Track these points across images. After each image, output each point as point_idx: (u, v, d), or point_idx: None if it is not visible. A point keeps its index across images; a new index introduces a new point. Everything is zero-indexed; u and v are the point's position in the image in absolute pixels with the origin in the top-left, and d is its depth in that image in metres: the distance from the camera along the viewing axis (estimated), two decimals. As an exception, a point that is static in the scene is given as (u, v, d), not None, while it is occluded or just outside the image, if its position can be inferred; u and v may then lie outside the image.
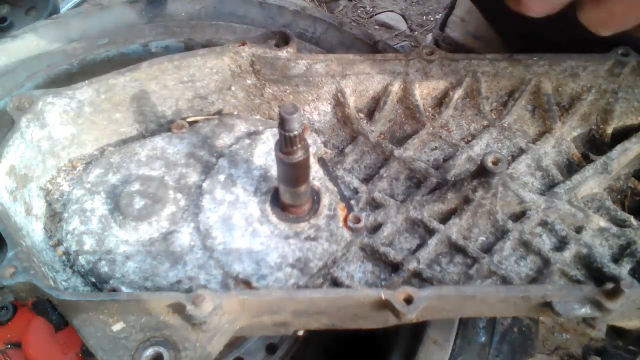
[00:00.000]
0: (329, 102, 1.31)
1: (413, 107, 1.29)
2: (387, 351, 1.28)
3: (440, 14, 2.16)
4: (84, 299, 0.90)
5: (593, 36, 1.10)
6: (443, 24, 2.01)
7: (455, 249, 1.09)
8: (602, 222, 1.12)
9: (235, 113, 1.30)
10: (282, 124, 0.88)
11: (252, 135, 1.22)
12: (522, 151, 1.23)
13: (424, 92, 1.30)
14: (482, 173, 1.03)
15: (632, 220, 1.13)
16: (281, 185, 1.03)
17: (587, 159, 1.24)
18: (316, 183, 1.13)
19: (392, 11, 3.20)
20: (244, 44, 1.25)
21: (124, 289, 1.02)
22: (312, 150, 1.15)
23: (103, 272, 1.04)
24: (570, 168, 1.22)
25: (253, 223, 1.08)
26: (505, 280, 1.04)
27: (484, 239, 1.11)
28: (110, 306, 0.88)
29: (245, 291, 1.00)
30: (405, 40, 3.14)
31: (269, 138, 1.20)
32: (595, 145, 1.28)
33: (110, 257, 1.06)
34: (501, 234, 1.10)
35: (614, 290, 0.85)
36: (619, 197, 1.24)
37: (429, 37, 2.81)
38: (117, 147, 1.23)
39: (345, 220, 1.09)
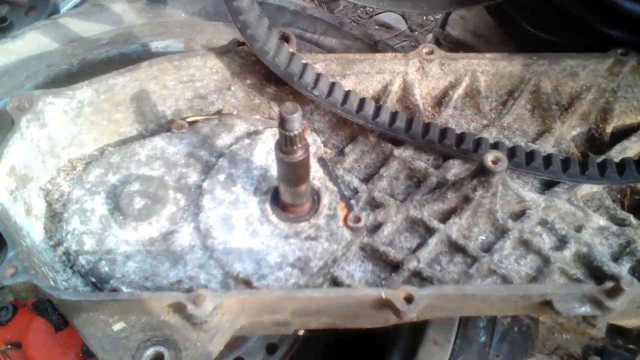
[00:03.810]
0: (328, 101, 1.31)
1: (413, 107, 1.29)
2: (387, 351, 1.28)
3: (441, 14, 2.16)
4: (85, 299, 0.90)
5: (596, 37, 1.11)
6: (444, 22, 2.02)
7: (456, 248, 1.09)
8: (602, 221, 1.13)
9: (235, 113, 1.30)
10: (282, 123, 0.88)
11: (252, 135, 1.22)
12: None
13: (423, 91, 1.30)
14: (482, 172, 1.04)
15: (632, 219, 1.13)
16: (281, 185, 1.03)
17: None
18: (316, 183, 1.13)
19: (392, 11, 3.20)
20: (243, 43, 1.25)
21: (124, 288, 1.02)
22: (312, 149, 1.15)
23: (103, 272, 1.04)
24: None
25: (253, 223, 1.08)
26: (505, 279, 1.04)
27: (484, 238, 1.11)
28: (111, 306, 0.88)
29: (246, 291, 1.00)
30: (405, 40, 3.14)
31: (269, 138, 1.20)
32: (595, 144, 1.28)
33: (111, 257, 1.06)
34: (501, 233, 1.10)
35: (614, 288, 0.85)
36: (619, 196, 1.24)
37: (429, 37, 2.81)
38: (117, 147, 1.23)
39: (345, 219, 1.09)
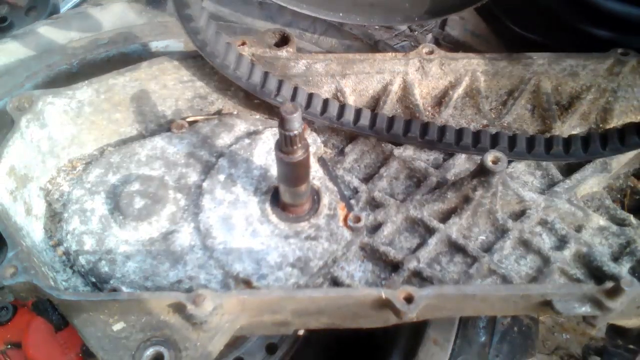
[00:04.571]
0: (328, 101, 1.31)
1: (413, 107, 1.29)
2: (387, 351, 1.28)
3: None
4: (85, 299, 0.90)
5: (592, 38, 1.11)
6: (443, 22, 2.02)
7: (456, 248, 1.09)
8: (602, 221, 1.13)
9: (235, 113, 1.30)
10: (282, 123, 0.88)
11: (252, 134, 1.22)
12: (521, 150, 1.23)
13: (423, 91, 1.30)
14: (482, 172, 1.04)
15: (632, 219, 1.13)
16: (281, 185, 1.03)
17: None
18: (316, 182, 1.13)
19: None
20: (243, 43, 1.26)
21: (124, 288, 1.02)
22: (312, 149, 1.15)
23: (103, 272, 1.04)
24: (570, 167, 1.22)
25: (253, 223, 1.08)
26: (505, 279, 1.04)
27: (484, 238, 1.11)
28: (111, 306, 0.88)
29: (246, 291, 1.00)
30: (405, 40, 3.14)
31: (269, 137, 1.20)
32: (595, 144, 1.28)
33: (111, 257, 1.06)
34: (501, 233, 1.10)
35: (614, 288, 0.85)
36: (619, 196, 1.24)
37: (429, 37, 2.81)
38: (117, 147, 1.23)
39: (345, 219, 1.09)
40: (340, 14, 1.16)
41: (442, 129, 1.20)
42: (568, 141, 1.17)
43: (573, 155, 1.16)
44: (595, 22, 1.26)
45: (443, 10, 1.12)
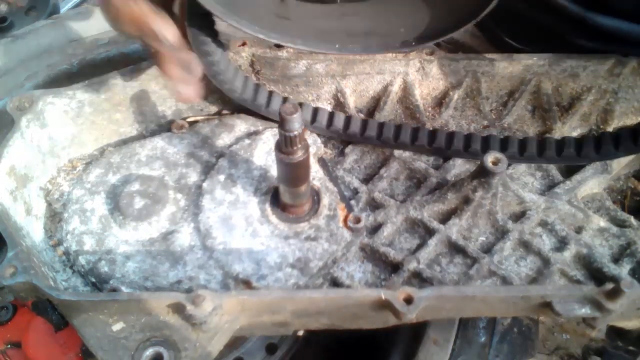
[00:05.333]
0: (329, 102, 1.31)
1: (413, 107, 1.29)
2: (387, 351, 1.28)
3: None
4: (84, 299, 0.90)
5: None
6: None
7: (455, 249, 1.09)
8: (602, 222, 1.12)
9: (235, 113, 1.30)
10: (283, 124, 0.88)
11: (252, 135, 1.22)
12: (522, 151, 1.23)
13: (424, 92, 1.30)
14: (482, 173, 1.03)
15: (632, 220, 1.13)
16: (281, 185, 1.03)
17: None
18: (316, 183, 1.13)
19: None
20: (244, 43, 1.25)
21: (124, 289, 1.02)
22: (312, 150, 1.15)
23: (103, 272, 1.04)
24: (570, 168, 1.22)
25: (253, 223, 1.08)
26: (505, 281, 1.04)
27: (484, 239, 1.11)
28: (111, 306, 0.88)
29: (245, 291, 1.00)
30: (405, 41, 3.13)
31: (269, 138, 1.20)
32: (595, 145, 1.28)
33: (110, 257, 1.06)
34: (501, 234, 1.10)
35: (614, 290, 0.85)
36: (619, 197, 1.24)
37: (429, 37, 2.80)
38: (117, 147, 1.23)
39: (345, 220, 1.09)
40: (337, 46, 1.17)
41: (450, 136, 1.21)
42: (579, 144, 1.18)
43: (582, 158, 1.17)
44: (586, 36, 1.25)
45: (438, 33, 1.12)
